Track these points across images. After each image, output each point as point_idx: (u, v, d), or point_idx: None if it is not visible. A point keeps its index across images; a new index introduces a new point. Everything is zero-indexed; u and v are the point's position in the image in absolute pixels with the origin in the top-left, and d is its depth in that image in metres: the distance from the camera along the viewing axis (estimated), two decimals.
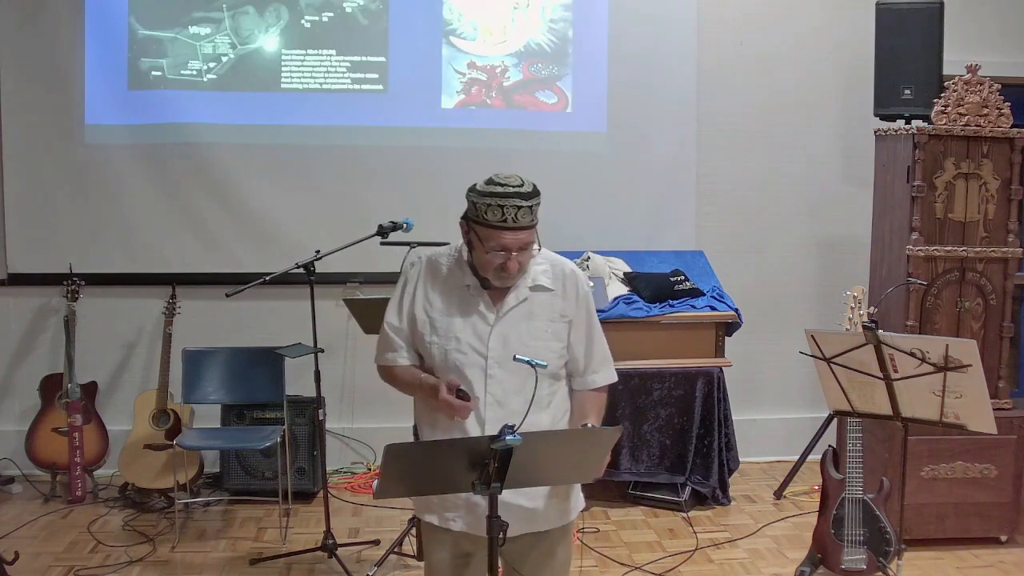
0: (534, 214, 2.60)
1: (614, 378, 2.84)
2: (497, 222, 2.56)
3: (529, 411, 2.52)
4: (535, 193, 2.61)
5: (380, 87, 5.53)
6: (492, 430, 2.59)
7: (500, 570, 2.57)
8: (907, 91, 4.89)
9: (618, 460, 5.00)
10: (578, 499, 2.87)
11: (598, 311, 4.88)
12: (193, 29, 5.41)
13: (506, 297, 2.69)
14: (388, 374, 2.83)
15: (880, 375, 3.33)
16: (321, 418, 4.48)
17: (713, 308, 5.11)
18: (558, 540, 2.83)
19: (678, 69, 5.67)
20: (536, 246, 2.70)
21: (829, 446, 4.22)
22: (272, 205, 5.48)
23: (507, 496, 2.47)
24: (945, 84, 4.54)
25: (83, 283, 5.23)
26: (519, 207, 2.56)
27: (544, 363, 2.69)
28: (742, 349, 5.39)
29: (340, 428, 5.63)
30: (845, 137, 5.77)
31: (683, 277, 5.23)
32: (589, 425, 2.72)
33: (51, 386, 5.20)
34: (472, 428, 2.66)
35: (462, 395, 2.61)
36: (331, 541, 4.27)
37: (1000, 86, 4.51)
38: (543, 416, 2.71)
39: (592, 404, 2.79)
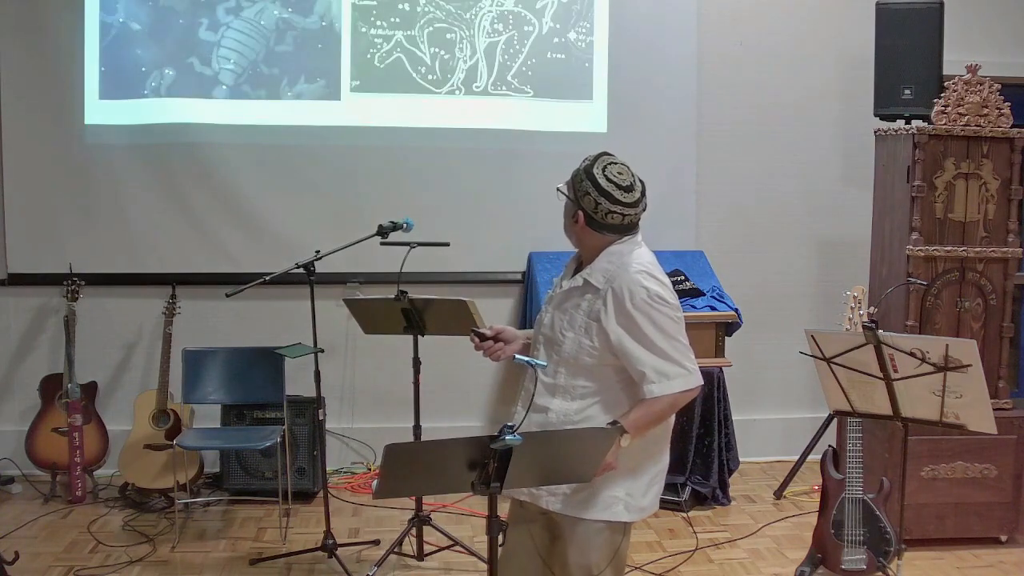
0: (566, 188, 2.80)
1: (667, 390, 2.69)
2: None
3: (531, 405, 2.64)
4: (582, 168, 2.77)
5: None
6: (524, 397, 2.86)
7: None
8: (907, 91, 4.89)
9: None
10: (595, 503, 2.76)
11: None
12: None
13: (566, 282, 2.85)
14: None
15: (880, 375, 3.33)
16: (321, 418, 4.49)
17: (713, 308, 5.10)
18: (568, 536, 2.81)
19: (678, 69, 5.67)
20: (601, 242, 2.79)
21: (829, 446, 4.22)
22: (272, 205, 5.48)
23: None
24: (945, 84, 4.54)
25: (83, 283, 5.23)
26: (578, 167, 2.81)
27: (544, 363, 2.71)
28: (742, 349, 5.39)
29: (340, 428, 5.62)
30: (845, 137, 5.77)
31: (683, 277, 5.23)
32: (618, 424, 2.67)
33: (51, 386, 5.20)
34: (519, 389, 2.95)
35: (478, 335, 2.94)
36: (331, 541, 4.27)
37: (1000, 86, 4.51)
38: (570, 405, 2.77)
39: (640, 403, 2.71)
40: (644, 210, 2.79)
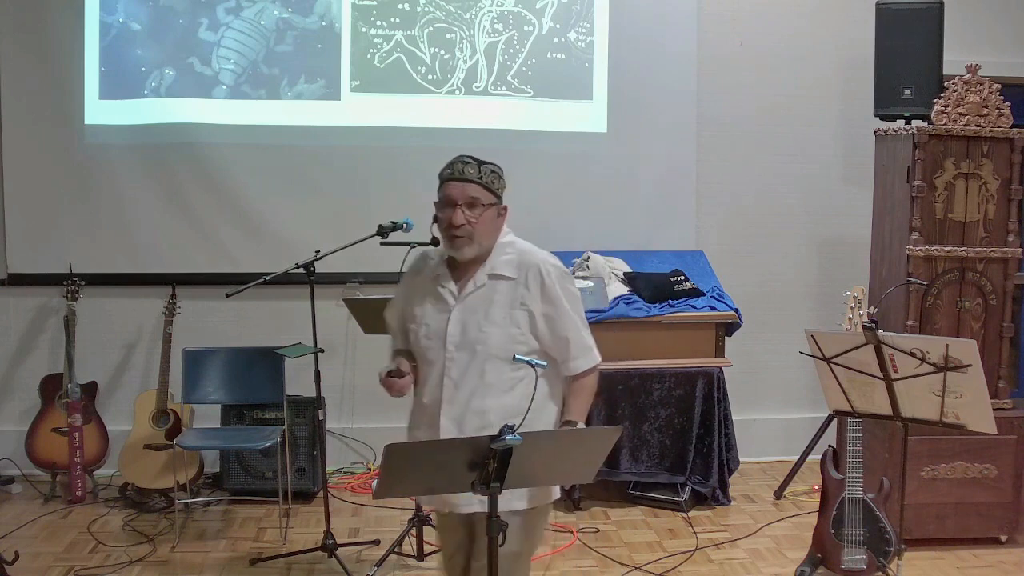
0: (482, 174, 2.82)
1: (591, 363, 2.89)
2: (445, 176, 2.86)
3: (489, 397, 2.73)
4: (487, 163, 2.84)
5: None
6: (449, 409, 2.78)
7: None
8: (907, 91, 4.90)
9: (618, 460, 5.00)
10: (522, 494, 2.81)
11: (598, 311, 4.95)
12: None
13: (466, 284, 2.84)
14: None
15: (880, 375, 3.33)
16: (321, 418, 4.49)
17: (713, 308, 5.10)
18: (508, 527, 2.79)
19: (678, 69, 5.67)
20: (500, 228, 2.86)
21: (829, 446, 4.23)
22: (272, 205, 5.48)
23: None
24: (945, 84, 4.54)
25: (83, 283, 5.23)
26: (466, 163, 2.84)
27: (544, 363, 2.72)
28: (742, 349, 5.39)
29: (340, 428, 5.63)
30: (845, 137, 5.77)
31: (683, 277, 5.23)
32: (576, 423, 2.79)
33: (51, 386, 5.20)
34: (431, 406, 2.84)
35: (394, 374, 2.84)
36: (331, 541, 4.27)
37: (1000, 86, 4.51)
38: (506, 399, 2.78)
39: (575, 392, 2.88)
40: None
